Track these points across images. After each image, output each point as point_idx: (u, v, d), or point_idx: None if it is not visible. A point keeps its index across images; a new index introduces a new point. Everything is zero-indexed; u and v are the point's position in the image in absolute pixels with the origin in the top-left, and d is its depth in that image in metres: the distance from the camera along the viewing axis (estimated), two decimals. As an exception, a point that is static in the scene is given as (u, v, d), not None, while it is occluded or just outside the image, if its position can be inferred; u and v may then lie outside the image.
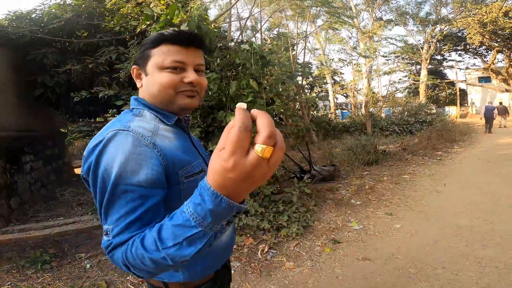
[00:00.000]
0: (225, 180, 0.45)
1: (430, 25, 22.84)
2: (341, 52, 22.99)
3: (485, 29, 17.30)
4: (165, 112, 0.80)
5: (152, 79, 0.78)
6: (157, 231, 0.55)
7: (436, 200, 4.37)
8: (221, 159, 0.43)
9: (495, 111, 12.91)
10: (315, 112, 15.04)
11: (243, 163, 0.42)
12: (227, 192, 0.46)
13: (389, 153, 8.30)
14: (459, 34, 23.85)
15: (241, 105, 0.44)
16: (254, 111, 0.44)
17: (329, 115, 16.40)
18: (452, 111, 24.72)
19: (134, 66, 0.84)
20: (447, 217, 3.66)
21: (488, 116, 12.71)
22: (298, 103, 13.11)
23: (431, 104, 15.61)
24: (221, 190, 0.46)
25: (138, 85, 0.84)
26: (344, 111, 24.09)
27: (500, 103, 16.32)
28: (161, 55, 0.77)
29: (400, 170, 6.27)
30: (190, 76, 0.77)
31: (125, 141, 0.66)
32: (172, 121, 0.80)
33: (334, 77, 22.06)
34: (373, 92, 27.20)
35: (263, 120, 0.42)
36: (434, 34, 23.74)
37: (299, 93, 13.44)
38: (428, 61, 24.64)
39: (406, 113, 13.82)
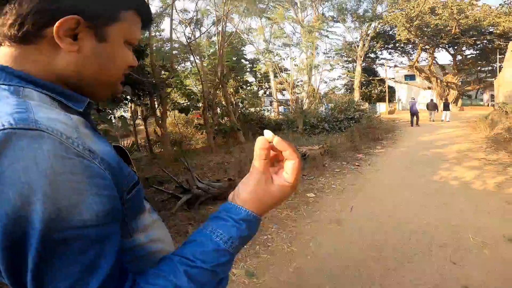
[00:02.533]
0: (269, 209, 0.48)
1: (366, 22, 22.88)
2: (283, 48, 21.98)
3: (411, 24, 17.36)
4: (72, 93, 0.47)
5: (113, 52, 0.50)
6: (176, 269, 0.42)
7: (330, 239, 3.00)
8: (277, 191, 0.47)
9: (415, 107, 13.46)
10: (244, 109, 13.50)
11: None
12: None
13: (309, 157, 7.05)
14: (390, 33, 24.44)
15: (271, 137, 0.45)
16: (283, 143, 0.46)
17: (263, 111, 15.01)
18: (382, 108, 25.37)
19: (72, 16, 0.43)
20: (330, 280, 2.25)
21: (413, 111, 13.28)
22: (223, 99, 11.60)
23: (361, 100, 15.17)
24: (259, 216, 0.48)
25: (68, 48, 0.45)
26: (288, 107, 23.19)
27: (431, 100, 17.76)
28: (132, 25, 0.51)
29: (310, 184, 4.93)
30: (135, 60, 0.55)
31: (39, 153, 0.35)
32: (82, 106, 0.48)
33: (279, 74, 20.91)
34: (314, 89, 26.81)
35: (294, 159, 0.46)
36: (368, 31, 23.92)
37: (222, 88, 11.81)
38: (362, 58, 24.84)
39: (336, 109, 12.99)
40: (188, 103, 10.93)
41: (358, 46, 24.47)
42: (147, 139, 10.82)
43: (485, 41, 20.14)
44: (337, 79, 31.91)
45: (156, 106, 9.27)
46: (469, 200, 3.78)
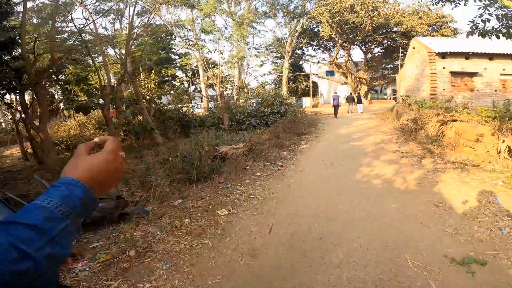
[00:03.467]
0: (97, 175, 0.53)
1: (295, 17, 23.16)
2: (215, 42, 20.61)
3: (334, 20, 18.03)
4: None
5: None
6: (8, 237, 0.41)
7: (240, 284, 2.11)
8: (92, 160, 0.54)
9: (337, 101, 14.44)
10: (162, 106, 11.89)
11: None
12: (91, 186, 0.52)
13: (231, 157, 6.14)
14: (315, 30, 25.43)
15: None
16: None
17: (191, 108, 13.57)
18: (307, 102, 26.40)
19: None
20: None
21: (335, 104, 14.35)
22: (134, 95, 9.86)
23: (287, 95, 15.09)
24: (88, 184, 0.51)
25: None
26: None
27: (351, 93, 19.67)
28: None
29: (225, 195, 4.00)
30: None
31: None
32: None
33: (208, 68, 19.47)
34: (243, 83, 26.17)
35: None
36: (297, 27, 24.36)
37: (132, 83, 9.99)
38: (290, 54, 25.27)
39: (263, 103, 12.45)
40: (88, 100, 8.85)
41: (287, 42, 24.77)
42: (32, 147, 8.41)
43: (391, 39, 22.51)
44: (267, 74, 32.10)
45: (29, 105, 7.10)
46: (397, 203, 3.38)
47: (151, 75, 17.59)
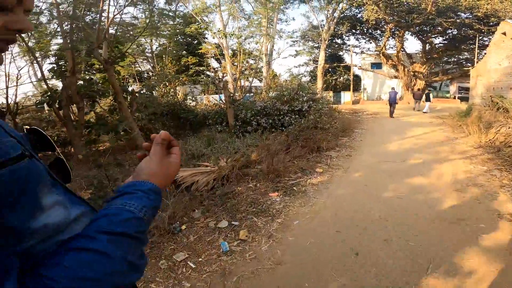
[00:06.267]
0: (166, 181, 0.51)
1: (332, 0, 19.11)
2: (242, 29, 17.78)
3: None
4: None
5: None
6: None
7: None
8: (171, 166, 0.52)
9: (394, 97, 12.05)
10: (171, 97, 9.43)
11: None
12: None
13: (191, 189, 3.35)
14: (358, 16, 21.14)
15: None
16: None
17: (191, 101, 10.98)
18: (347, 97, 22.39)
19: None
20: None
21: (391, 101, 11.99)
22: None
23: (315, 87, 11.69)
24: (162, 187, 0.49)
25: None
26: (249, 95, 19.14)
27: (418, 89, 16.88)
28: None
29: None
30: (23, 21, 0.42)
31: None
32: None
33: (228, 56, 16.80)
34: (275, 75, 22.87)
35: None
36: (334, 13, 20.36)
37: (107, 72, 7.62)
38: (326, 42, 21.37)
39: (282, 99, 9.32)
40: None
41: (323, 29, 20.92)
42: None
43: (459, 26, 17.42)
44: (302, 65, 28.38)
45: None
46: None
47: (168, 64, 15.41)
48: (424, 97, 14.26)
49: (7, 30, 0.40)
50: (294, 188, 3.57)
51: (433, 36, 20.32)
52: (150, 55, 18.17)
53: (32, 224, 0.38)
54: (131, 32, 8.94)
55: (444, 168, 4.42)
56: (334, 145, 5.77)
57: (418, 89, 17.28)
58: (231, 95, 9.07)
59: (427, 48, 21.00)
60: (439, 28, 17.87)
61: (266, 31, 16.49)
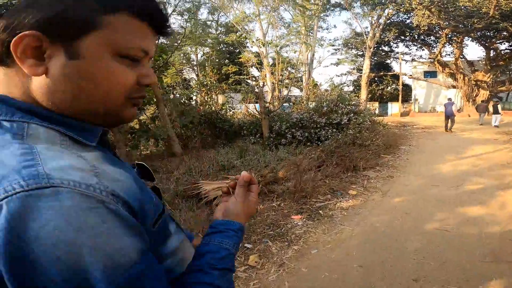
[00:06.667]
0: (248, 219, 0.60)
1: (377, 5, 18.11)
2: (282, 38, 17.84)
3: (433, 3, 12.78)
4: (83, 123, 0.41)
5: (92, 71, 0.38)
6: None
7: None
8: (251, 205, 0.59)
9: (451, 108, 10.67)
10: (186, 104, 9.72)
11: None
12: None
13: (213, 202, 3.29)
14: (407, 22, 19.70)
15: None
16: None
17: (226, 110, 11.13)
18: (394, 108, 20.80)
19: (29, 32, 0.36)
20: None
21: (448, 113, 10.63)
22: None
23: (358, 98, 10.90)
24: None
25: (31, 71, 0.37)
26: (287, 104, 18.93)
27: (482, 101, 15.40)
28: (126, 32, 0.39)
29: None
30: (151, 75, 0.44)
31: (63, 211, 0.31)
32: (95, 139, 0.42)
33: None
34: (315, 84, 22.34)
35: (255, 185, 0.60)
36: (380, 20, 19.28)
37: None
38: (372, 49, 20.27)
39: (320, 110, 8.93)
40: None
41: (367, 36, 19.92)
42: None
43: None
44: (345, 74, 27.24)
45: None
46: None
47: (209, 72, 15.99)
48: (491, 109, 12.63)
49: (139, 86, 0.42)
50: (320, 211, 3.23)
51: (498, 41, 17.98)
52: (195, 63, 19.05)
53: (164, 249, 0.46)
54: (176, 42, 9.45)
55: (510, 196, 3.68)
56: (374, 164, 5.22)
57: (482, 101, 15.39)
58: (267, 105, 8.96)
59: (491, 54, 18.63)
60: (505, 33, 15.73)
61: (305, 39, 16.22)
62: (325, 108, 8.74)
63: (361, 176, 4.59)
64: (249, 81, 19.85)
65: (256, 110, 10.21)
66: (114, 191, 0.35)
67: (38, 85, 0.37)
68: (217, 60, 18.93)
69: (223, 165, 5.84)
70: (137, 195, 0.39)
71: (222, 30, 20.04)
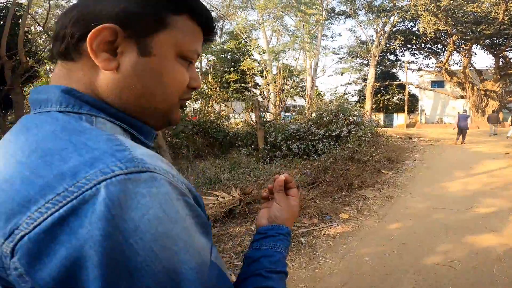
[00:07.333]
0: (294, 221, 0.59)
1: (382, 12, 17.78)
2: (286, 46, 17.65)
3: (439, 6, 12.37)
4: (142, 125, 0.42)
5: (160, 69, 0.39)
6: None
7: None
8: (295, 209, 0.57)
9: (466, 122, 10.07)
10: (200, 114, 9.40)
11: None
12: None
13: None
14: (413, 30, 19.31)
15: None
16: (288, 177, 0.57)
17: (222, 119, 10.80)
18: (400, 119, 20.21)
19: (105, 25, 0.35)
20: None
21: (462, 126, 9.91)
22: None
23: (359, 108, 10.40)
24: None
25: (105, 65, 0.36)
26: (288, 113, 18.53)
27: (493, 111, 15.36)
28: (186, 34, 0.40)
29: None
30: (198, 79, 0.45)
31: (161, 198, 0.30)
32: (152, 140, 0.45)
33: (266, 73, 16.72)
34: (319, 94, 21.92)
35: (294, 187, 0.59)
36: (385, 27, 18.95)
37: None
38: (377, 58, 19.88)
39: (319, 122, 8.53)
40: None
41: (372, 44, 19.58)
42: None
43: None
44: (350, 84, 26.82)
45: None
46: None
47: (210, 80, 15.74)
48: (509, 120, 12.18)
49: (188, 88, 0.42)
50: (302, 239, 2.78)
51: (507, 49, 17.39)
52: (199, 71, 18.95)
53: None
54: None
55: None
56: (373, 182, 4.75)
57: (493, 111, 15.09)
58: (262, 114, 8.58)
59: (500, 63, 18.00)
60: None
61: (305, 46, 15.86)
62: (324, 118, 8.34)
63: (356, 196, 4.12)
64: (254, 90, 19.57)
65: (252, 120, 9.86)
66: (188, 185, 0.35)
67: (105, 81, 0.37)
68: (221, 68, 18.76)
69: (209, 178, 5.46)
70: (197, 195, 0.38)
71: (227, 38, 19.96)
